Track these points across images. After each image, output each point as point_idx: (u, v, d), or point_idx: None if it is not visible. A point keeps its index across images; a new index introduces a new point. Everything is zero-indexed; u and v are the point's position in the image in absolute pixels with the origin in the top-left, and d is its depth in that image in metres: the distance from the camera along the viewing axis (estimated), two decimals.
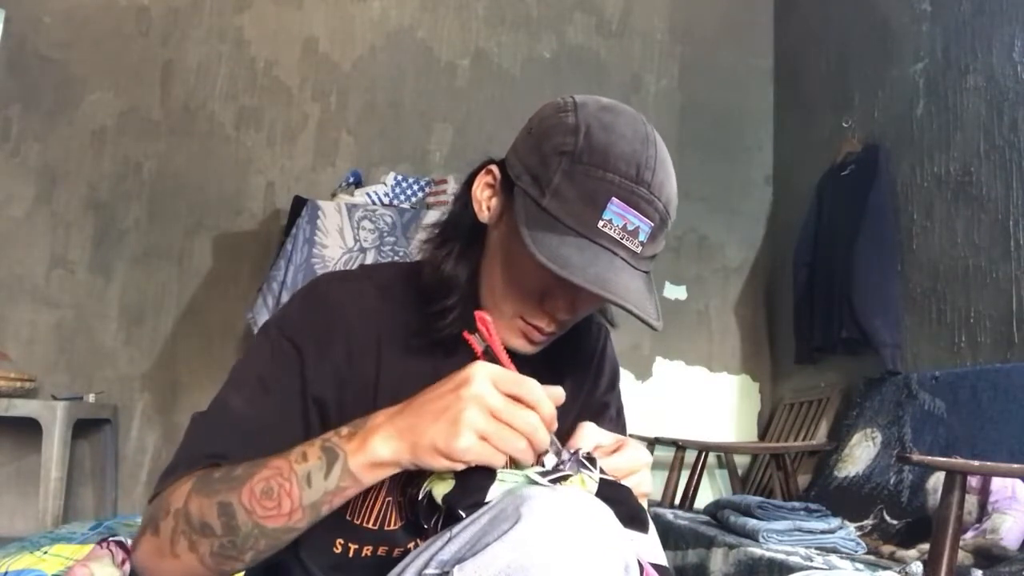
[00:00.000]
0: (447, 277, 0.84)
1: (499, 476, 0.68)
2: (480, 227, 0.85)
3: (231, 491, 0.68)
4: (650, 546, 0.73)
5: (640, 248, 0.77)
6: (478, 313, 0.75)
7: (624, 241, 0.76)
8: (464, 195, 0.87)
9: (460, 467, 0.65)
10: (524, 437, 0.66)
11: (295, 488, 0.66)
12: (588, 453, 0.71)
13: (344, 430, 0.69)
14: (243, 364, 0.82)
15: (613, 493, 0.69)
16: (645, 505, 0.75)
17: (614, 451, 0.75)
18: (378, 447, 0.66)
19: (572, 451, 0.72)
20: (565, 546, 0.60)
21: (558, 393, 0.70)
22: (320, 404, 0.80)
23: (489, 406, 0.65)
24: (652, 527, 0.76)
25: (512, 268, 0.81)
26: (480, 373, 0.66)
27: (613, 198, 0.74)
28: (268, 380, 0.79)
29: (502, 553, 0.60)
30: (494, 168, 0.85)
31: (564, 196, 0.75)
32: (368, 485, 0.68)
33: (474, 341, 0.74)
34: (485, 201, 0.84)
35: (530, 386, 0.67)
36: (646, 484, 0.76)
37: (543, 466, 0.69)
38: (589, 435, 0.75)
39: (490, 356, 0.74)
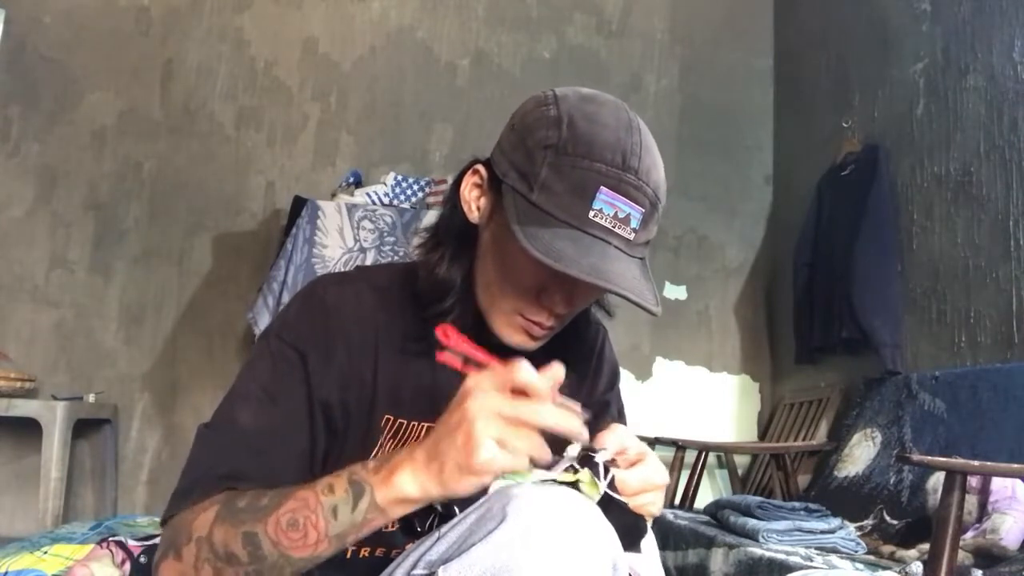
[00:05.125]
0: (441, 280, 0.84)
1: (506, 475, 0.67)
2: (471, 228, 0.85)
3: (257, 521, 0.67)
4: (644, 565, 0.72)
5: (633, 235, 0.77)
6: (437, 329, 0.75)
7: (616, 229, 0.75)
8: (453, 197, 0.87)
9: (488, 480, 0.64)
10: (535, 429, 0.64)
11: (320, 520, 0.66)
12: (606, 461, 0.70)
13: (371, 464, 0.68)
14: (246, 375, 0.82)
15: (613, 511, 0.68)
16: (648, 527, 0.73)
17: (634, 463, 0.74)
18: (404, 483, 0.65)
19: (592, 451, 0.70)
20: (549, 546, 0.60)
21: (556, 372, 0.68)
22: (326, 408, 0.80)
23: (495, 410, 0.63)
24: (652, 543, 0.75)
25: (506, 265, 0.80)
26: (477, 383, 0.65)
27: (601, 187, 0.74)
28: (273, 390, 0.79)
29: (486, 554, 0.60)
30: (480, 168, 0.84)
31: (552, 189, 0.75)
32: (395, 518, 0.67)
33: (449, 358, 0.73)
34: (474, 201, 0.84)
35: (519, 373, 0.65)
36: (656, 506, 0.74)
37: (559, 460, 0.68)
38: (616, 437, 0.74)
39: (472, 362, 0.73)
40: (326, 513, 0.66)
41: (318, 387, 0.79)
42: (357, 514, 0.66)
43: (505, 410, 0.63)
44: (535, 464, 0.66)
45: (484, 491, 0.67)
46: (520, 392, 0.65)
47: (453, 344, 0.73)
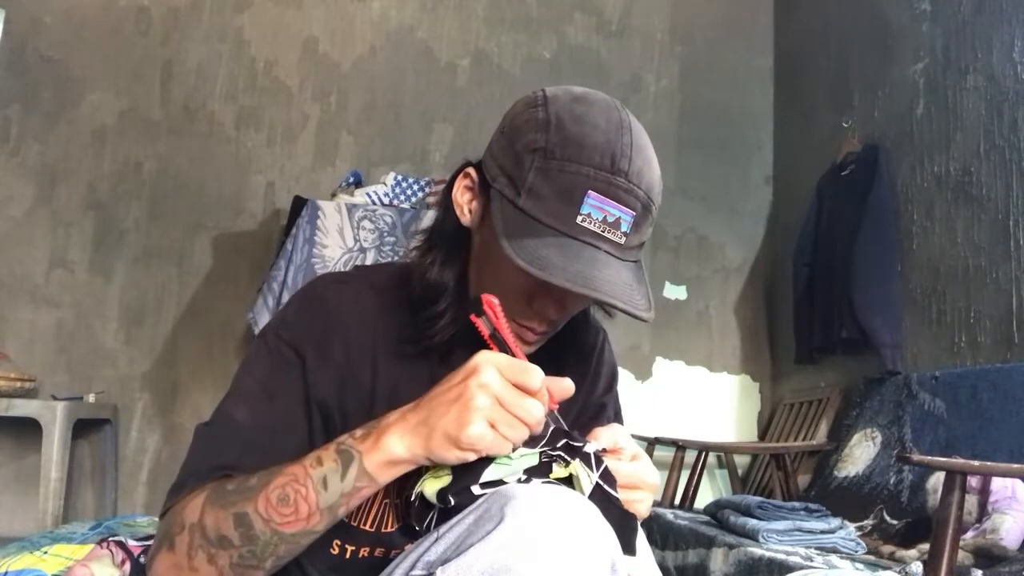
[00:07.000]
0: (434, 283, 0.83)
1: (496, 460, 0.68)
2: (464, 231, 0.84)
3: (246, 501, 0.67)
4: (641, 569, 0.72)
5: (624, 239, 0.75)
6: (484, 296, 0.74)
7: (606, 234, 0.74)
8: (445, 199, 0.85)
9: (471, 457, 0.65)
10: (526, 426, 0.66)
11: (311, 492, 0.66)
12: (597, 452, 0.70)
13: (358, 432, 0.69)
14: (243, 372, 0.81)
15: (604, 505, 0.68)
16: (639, 526, 0.73)
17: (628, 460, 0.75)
18: (392, 444, 0.66)
19: (582, 441, 0.71)
20: (548, 547, 0.60)
21: (567, 386, 0.70)
22: (322, 407, 0.80)
23: (496, 394, 0.65)
24: (647, 548, 0.74)
25: (496, 272, 0.79)
26: (487, 362, 0.66)
27: (589, 191, 0.73)
28: (270, 386, 0.79)
29: (485, 554, 0.60)
30: (472, 171, 0.83)
31: (540, 194, 0.74)
32: (384, 484, 0.68)
33: (481, 324, 0.73)
34: (466, 204, 0.83)
35: (533, 374, 0.66)
36: (645, 505, 0.74)
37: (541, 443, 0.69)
38: (612, 434, 0.75)
39: (497, 339, 0.73)
40: (316, 485, 0.66)
41: (315, 387, 0.79)
42: (347, 483, 0.66)
43: (505, 397, 0.65)
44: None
45: (478, 476, 0.68)
46: (520, 388, 0.66)
47: (492, 315, 0.73)
